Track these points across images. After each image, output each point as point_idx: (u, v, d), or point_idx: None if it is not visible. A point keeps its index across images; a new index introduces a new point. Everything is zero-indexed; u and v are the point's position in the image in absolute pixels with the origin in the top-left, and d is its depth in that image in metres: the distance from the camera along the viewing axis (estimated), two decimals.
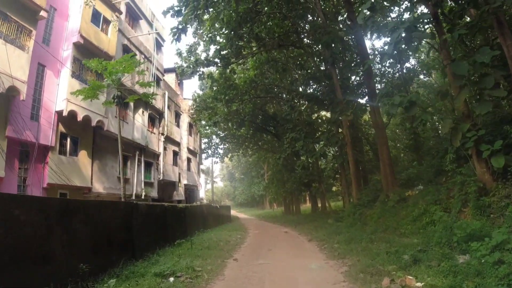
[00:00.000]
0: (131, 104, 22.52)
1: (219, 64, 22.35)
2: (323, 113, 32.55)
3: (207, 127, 25.53)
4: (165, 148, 27.15)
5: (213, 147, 41.86)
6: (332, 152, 27.21)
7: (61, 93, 16.72)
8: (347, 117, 16.08)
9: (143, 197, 23.09)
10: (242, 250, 12.89)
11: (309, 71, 21.52)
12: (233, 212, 64.50)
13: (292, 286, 7.06)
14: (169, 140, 27.88)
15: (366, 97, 19.49)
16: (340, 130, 19.52)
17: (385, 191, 15.22)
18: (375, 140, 29.91)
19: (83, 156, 18.31)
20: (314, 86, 23.00)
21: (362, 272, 7.23)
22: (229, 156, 43.68)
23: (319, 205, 33.82)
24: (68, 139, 17.58)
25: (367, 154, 28.75)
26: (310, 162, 32.25)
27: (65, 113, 16.52)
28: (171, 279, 7.71)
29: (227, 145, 41.85)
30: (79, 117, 17.40)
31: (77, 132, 18.13)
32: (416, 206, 11.88)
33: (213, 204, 28.96)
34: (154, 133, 25.68)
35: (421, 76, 29.96)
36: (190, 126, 34.01)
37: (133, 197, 22.03)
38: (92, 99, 13.21)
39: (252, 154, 45.93)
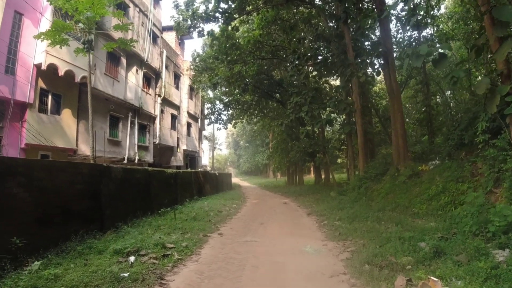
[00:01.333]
0: (123, 60, 20.73)
1: (220, 20, 20.21)
2: (332, 82, 30.52)
3: (206, 89, 23.50)
4: (162, 111, 25.50)
5: (216, 113, 40.04)
6: (339, 120, 25.32)
7: (41, 45, 14.96)
8: (359, 78, 14.13)
9: (136, 161, 21.71)
10: (232, 223, 11.45)
11: (318, 28, 19.22)
12: (236, 180, 63.78)
13: (278, 277, 5.52)
14: (166, 102, 26.17)
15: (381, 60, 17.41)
16: (349, 98, 17.62)
17: (395, 164, 13.54)
18: (384, 112, 28.09)
19: (67, 115, 16.75)
20: (322, 49, 20.75)
21: (368, 263, 5.66)
22: (232, 123, 41.87)
23: (323, 176, 32.38)
24: (50, 96, 15.98)
25: (376, 126, 26.85)
26: (316, 130, 30.55)
27: (43, 67, 14.84)
28: (131, 258, 6.24)
29: (230, 111, 40.00)
30: (61, 72, 15.69)
31: (60, 89, 16.47)
32: (432, 182, 10.24)
33: (212, 171, 27.59)
34: (150, 94, 23.95)
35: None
36: (191, 89, 32.14)
37: (125, 161, 20.65)
38: (62, 45, 11.35)
39: (257, 121, 44.14)
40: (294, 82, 21.97)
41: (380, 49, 14.23)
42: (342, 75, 16.47)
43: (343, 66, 16.29)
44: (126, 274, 5.43)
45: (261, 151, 64.77)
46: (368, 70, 16.84)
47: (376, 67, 17.67)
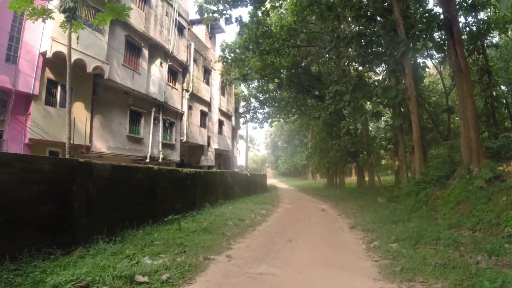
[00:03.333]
0: (145, 52, 18.82)
1: (249, 2, 17.78)
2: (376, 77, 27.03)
3: (235, 82, 21.08)
4: (190, 107, 23.46)
5: (252, 111, 37.69)
6: (387, 114, 21.94)
7: (47, 31, 13.29)
8: (418, 51, 10.99)
9: (160, 160, 19.76)
10: (252, 237, 8.84)
11: (360, 4, 16.03)
12: (273, 182, 61.24)
13: None
14: (195, 98, 24.11)
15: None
16: (400, 83, 14.44)
17: (465, 163, 10.31)
18: (435, 107, 24.28)
19: (79, 109, 14.96)
20: (365, 29, 17.48)
21: None
22: (269, 121, 39.31)
23: (366, 179, 28.95)
24: (59, 88, 14.28)
25: (427, 121, 23.14)
26: (358, 127, 27.25)
27: (49, 55, 13.11)
28: None
29: (267, 109, 37.49)
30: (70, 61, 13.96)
31: (71, 80, 14.76)
32: None
33: (244, 171, 25.19)
34: (176, 89, 21.96)
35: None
36: (223, 85, 29.98)
37: (147, 160, 18.75)
38: (44, 18, 9.30)
39: (294, 120, 41.29)
40: (333, 70, 18.99)
41: (441, 16, 11.04)
42: (391, 56, 13.37)
43: (392, 46, 13.20)
44: None
45: (299, 152, 61.69)
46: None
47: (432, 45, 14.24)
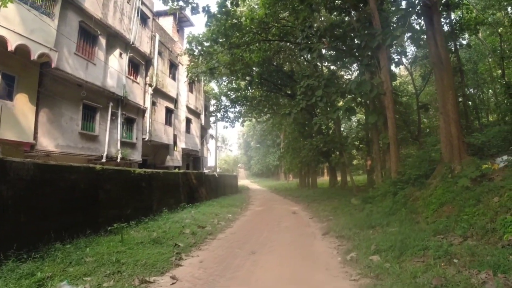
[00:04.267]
0: (102, 40, 17.07)
1: None
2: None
3: (202, 75, 19.52)
4: (154, 103, 21.79)
5: (222, 110, 36.21)
6: (360, 111, 21.13)
7: None
8: (396, 38, 10.03)
9: (119, 160, 18.04)
10: (209, 249, 7.47)
11: None
12: (246, 182, 60.01)
13: None
14: (160, 93, 22.45)
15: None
16: (375, 77, 13.51)
17: (446, 161, 9.41)
18: (406, 107, 23.72)
19: (22, 101, 13.08)
20: (339, 23, 16.55)
21: None
22: (240, 121, 37.97)
23: (338, 179, 28.18)
24: None
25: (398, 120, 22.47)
26: (331, 126, 26.49)
27: None
28: None
29: (238, 108, 36.14)
30: (11, 46, 12.08)
31: (13, 69, 12.90)
32: None
33: (211, 172, 23.77)
34: (138, 83, 20.26)
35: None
36: (192, 81, 28.39)
37: (104, 159, 17.00)
38: None
39: (267, 120, 40.19)
40: (306, 68, 17.94)
41: (421, 3, 10.12)
42: (366, 49, 12.42)
43: (367, 38, 12.25)
44: None
45: (272, 152, 60.76)
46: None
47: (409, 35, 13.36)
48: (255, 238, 8.44)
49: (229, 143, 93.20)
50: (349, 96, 14.29)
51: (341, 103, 21.51)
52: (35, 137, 13.64)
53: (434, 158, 10.20)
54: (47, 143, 14.10)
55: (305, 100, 13.70)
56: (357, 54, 13.96)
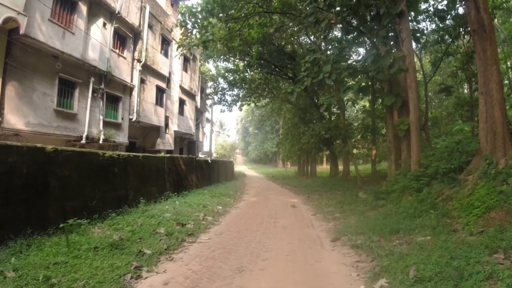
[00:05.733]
0: (82, 7, 14.95)
1: None
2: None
3: (194, 47, 17.32)
4: (143, 81, 19.75)
5: (220, 92, 34.04)
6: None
7: None
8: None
9: (101, 142, 16.14)
10: (182, 261, 5.51)
11: None
12: (243, 169, 58.25)
13: None
14: (150, 71, 20.39)
15: None
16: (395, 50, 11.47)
17: (486, 152, 7.52)
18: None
19: None
20: None
21: None
22: (238, 104, 35.81)
23: (340, 168, 26.33)
24: None
25: None
26: (332, 111, 24.62)
27: None
28: None
29: (236, 91, 33.95)
30: None
31: None
32: None
33: (205, 157, 21.91)
34: (125, 58, 18.18)
35: None
36: (186, 59, 26.23)
37: (83, 141, 15.10)
38: None
39: (266, 104, 38.10)
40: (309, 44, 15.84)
41: None
42: (386, 16, 10.39)
43: (388, 2, 10.22)
44: None
45: (270, 138, 58.96)
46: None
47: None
48: (245, 244, 6.59)
49: (227, 128, 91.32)
50: (361, 76, 12.24)
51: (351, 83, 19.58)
52: (0, 114, 11.73)
53: (466, 149, 8.29)
54: (15, 120, 12.20)
55: (311, 77, 11.69)
56: (372, 24, 11.88)
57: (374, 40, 12.33)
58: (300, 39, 28.41)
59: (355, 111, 43.79)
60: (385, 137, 23.11)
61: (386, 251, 5.40)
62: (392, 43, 11.12)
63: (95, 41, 15.73)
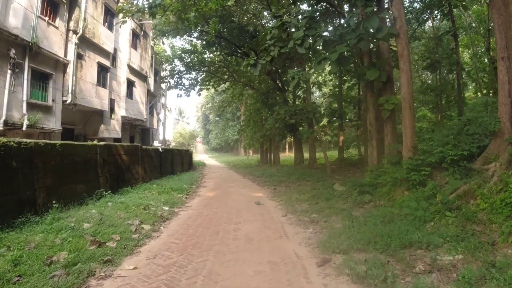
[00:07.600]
0: None
1: None
2: None
3: (137, 13, 14.43)
4: (80, 56, 16.50)
5: (176, 75, 30.91)
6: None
7: None
8: None
9: (24, 128, 12.99)
10: None
11: None
12: (204, 158, 55.43)
13: None
14: (89, 45, 17.13)
15: None
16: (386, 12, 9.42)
17: (509, 133, 5.70)
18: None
19: None
20: None
21: None
22: (196, 89, 32.83)
23: (305, 155, 24.55)
24: None
25: None
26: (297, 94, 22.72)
27: None
28: None
29: (194, 74, 30.98)
30: None
31: None
32: None
33: (155, 146, 19.16)
34: (56, 27, 14.87)
35: None
36: (135, 35, 22.95)
37: (1, 126, 11.95)
38: None
39: (226, 89, 35.39)
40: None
41: None
42: None
43: None
44: None
45: (231, 126, 56.46)
46: None
47: None
48: (186, 281, 4.26)
49: (186, 116, 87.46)
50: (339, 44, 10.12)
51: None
52: None
53: (478, 131, 6.42)
54: None
55: (278, 46, 9.41)
56: None
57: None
58: (263, 21, 26.15)
59: (317, 98, 42.43)
60: (353, 122, 21.55)
61: (411, 286, 3.31)
62: (375, 3, 9.02)
63: (17, 4, 12.46)
